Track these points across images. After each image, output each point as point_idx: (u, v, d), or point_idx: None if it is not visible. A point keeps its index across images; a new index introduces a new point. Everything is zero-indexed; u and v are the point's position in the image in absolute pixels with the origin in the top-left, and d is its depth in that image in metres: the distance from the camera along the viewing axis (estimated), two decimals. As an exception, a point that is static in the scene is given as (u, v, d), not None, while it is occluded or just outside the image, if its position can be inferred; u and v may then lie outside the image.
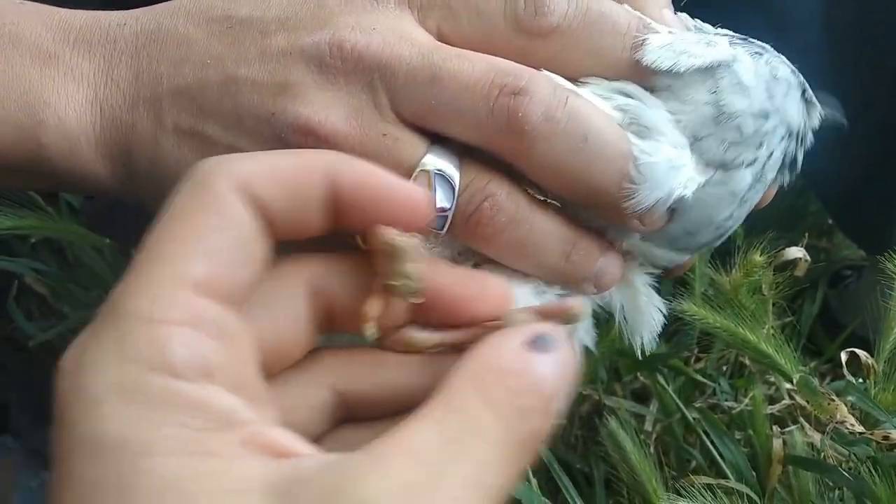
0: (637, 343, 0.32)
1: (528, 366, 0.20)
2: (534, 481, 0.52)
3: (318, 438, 0.25)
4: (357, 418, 0.25)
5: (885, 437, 0.38)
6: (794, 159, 0.32)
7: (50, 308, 0.65)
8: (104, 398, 0.18)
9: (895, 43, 0.52)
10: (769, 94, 0.30)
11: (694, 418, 0.53)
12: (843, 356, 0.46)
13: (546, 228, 0.28)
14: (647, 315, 0.32)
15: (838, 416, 0.39)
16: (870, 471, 0.42)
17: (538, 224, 0.28)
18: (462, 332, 0.25)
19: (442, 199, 0.27)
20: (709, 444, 0.51)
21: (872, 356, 0.47)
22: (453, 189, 0.27)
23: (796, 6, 0.54)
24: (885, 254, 0.38)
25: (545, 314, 0.24)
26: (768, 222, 0.76)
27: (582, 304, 0.25)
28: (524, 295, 0.29)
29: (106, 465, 0.18)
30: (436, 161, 0.27)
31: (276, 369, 0.24)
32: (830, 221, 0.79)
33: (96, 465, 0.18)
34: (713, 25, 0.32)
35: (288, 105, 0.27)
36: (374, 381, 0.25)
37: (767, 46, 0.32)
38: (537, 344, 0.21)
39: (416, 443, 0.18)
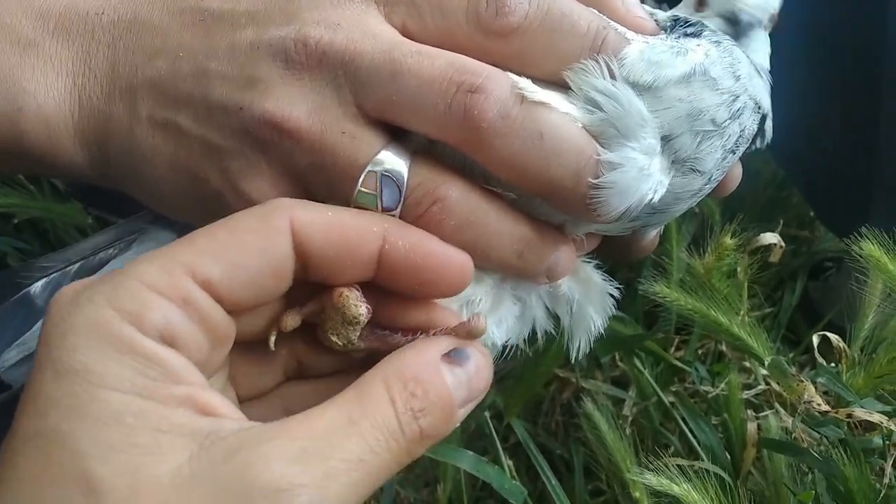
0: (574, 347, 0.34)
1: (434, 377, 0.24)
2: (510, 464, 0.52)
3: (267, 392, 0.28)
4: (304, 375, 0.29)
5: (849, 416, 0.39)
6: (763, 130, 0.33)
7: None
8: (81, 331, 0.22)
9: (870, 42, 0.53)
10: (735, 77, 0.31)
11: (671, 402, 0.53)
12: (815, 339, 0.46)
13: (499, 229, 0.29)
14: (602, 297, 0.34)
15: (805, 397, 0.39)
16: (840, 453, 0.42)
17: (491, 225, 0.29)
18: (386, 340, 0.27)
19: (388, 200, 0.28)
20: (684, 427, 0.52)
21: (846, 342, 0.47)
22: (400, 191, 0.28)
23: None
24: (853, 237, 0.39)
25: (455, 330, 0.27)
26: (749, 213, 0.77)
27: (483, 323, 0.27)
28: (474, 290, 0.30)
29: (66, 387, 0.21)
30: (386, 162, 0.28)
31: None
32: (812, 213, 0.80)
33: (58, 386, 0.21)
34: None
35: (255, 100, 0.28)
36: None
37: (716, 30, 0.32)
38: (452, 356, 0.25)
39: (321, 420, 0.22)
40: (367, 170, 0.28)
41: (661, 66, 0.29)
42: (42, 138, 0.31)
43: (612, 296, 0.34)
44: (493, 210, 0.29)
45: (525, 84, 0.28)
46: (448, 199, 0.28)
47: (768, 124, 0.34)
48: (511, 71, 0.28)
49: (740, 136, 0.31)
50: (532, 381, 0.46)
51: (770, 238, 0.49)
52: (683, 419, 0.54)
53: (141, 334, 0.22)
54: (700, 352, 0.66)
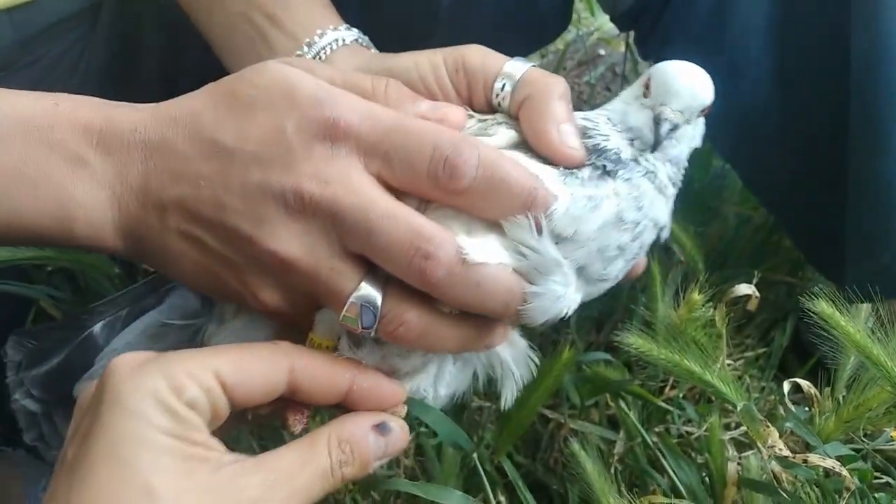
0: (504, 398, 0.43)
1: (362, 441, 0.37)
2: (501, 500, 0.56)
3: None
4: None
5: (805, 461, 0.41)
6: (659, 237, 0.43)
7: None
8: (141, 391, 0.33)
9: (847, 87, 0.56)
10: (639, 208, 0.40)
11: (653, 442, 0.56)
12: (786, 386, 0.49)
13: (448, 334, 0.39)
14: (525, 357, 0.43)
15: (769, 441, 0.42)
16: (812, 493, 0.45)
17: (442, 332, 0.39)
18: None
19: (367, 322, 0.37)
20: (667, 466, 0.55)
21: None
22: (375, 316, 0.37)
23: (750, 58, 0.59)
24: (807, 294, 0.42)
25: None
26: (740, 258, 0.80)
27: (403, 411, 0.40)
28: (425, 365, 0.42)
29: (131, 425, 0.33)
30: (364, 294, 0.37)
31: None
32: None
33: (125, 423, 0.33)
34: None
35: (264, 237, 0.37)
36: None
37: (628, 162, 0.41)
38: (380, 427, 0.38)
39: (284, 459, 0.35)
40: (349, 301, 0.37)
41: (580, 221, 0.38)
42: (88, 235, 0.38)
43: (531, 357, 0.43)
44: (444, 324, 0.38)
45: (467, 247, 0.36)
46: (410, 321, 0.38)
47: (664, 232, 0.43)
48: (462, 214, 0.38)
49: (640, 249, 0.42)
50: (518, 421, 0.49)
51: (745, 289, 0.53)
52: (665, 456, 0.57)
53: (178, 401, 0.34)
54: (691, 392, 0.69)
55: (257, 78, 0.38)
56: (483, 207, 0.37)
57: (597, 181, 0.40)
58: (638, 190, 0.40)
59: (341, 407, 0.40)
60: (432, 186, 0.37)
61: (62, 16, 0.65)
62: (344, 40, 0.50)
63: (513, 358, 0.43)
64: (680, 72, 0.43)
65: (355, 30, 0.51)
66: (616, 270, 0.41)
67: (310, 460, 0.36)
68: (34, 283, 0.67)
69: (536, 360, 0.43)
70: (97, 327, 0.47)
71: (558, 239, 0.38)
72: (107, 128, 0.38)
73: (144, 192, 0.38)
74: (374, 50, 0.52)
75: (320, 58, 0.49)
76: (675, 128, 0.41)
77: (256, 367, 0.36)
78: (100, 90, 0.68)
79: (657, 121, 0.41)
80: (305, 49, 0.50)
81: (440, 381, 0.42)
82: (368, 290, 0.37)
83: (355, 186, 0.36)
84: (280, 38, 0.50)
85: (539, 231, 0.37)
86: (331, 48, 0.49)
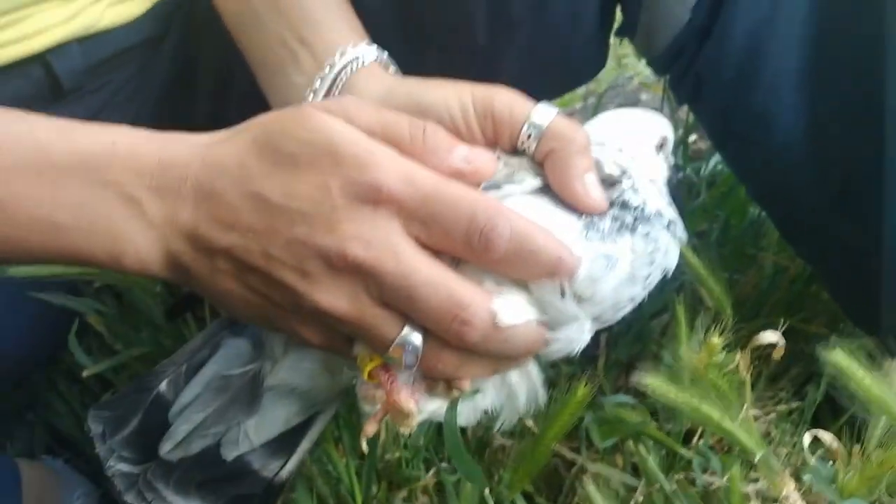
0: (500, 421, 0.47)
1: None
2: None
3: None
4: None
5: (817, 516, 0.41)
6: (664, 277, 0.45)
7: (107, 346, 0.73)
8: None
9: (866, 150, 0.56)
10: (651, 262, 0.43)
11: (673, 490, 0.55)
12: (807, 438, 0.49)
13: (481, 366, 0.43)
14: (533, 388, 0.47)
15: (784, 493, 0.42)
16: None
17: (475, 366, 0.42)
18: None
19: (409, 361, 0.41)
20: (685, 515, 0.54)
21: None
22: (417, 356, 0.41)
23: (782, 104, 0.59)
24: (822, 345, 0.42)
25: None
26: (776, 308, 0.79)
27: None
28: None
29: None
30: (408, 338, 0.40)
31: None
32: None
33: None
34: None
35: (307, 290, 0.39)
36: None
37: (650, 217, 0.44)
38: None
39: None
40: (394, 344, 0.40)
41: (598, 282, 0.41)
42: (138, 269, 0.41)
43: (539, 391, 0.47)
44: (477, 359, 0.42)
45: (500, 312, 0.40)
46: (447, 359, 0.41)
47: (668, 274, 0.45)
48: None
49: (647, 293, 0.44)
50: (534, 459, 0.49)
51: (770, 336, 0.52)
52: (684, 505, 0.56)
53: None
54: (719, 443, 0.68)
55: (301, 132, 0.40)
56: (513, 272, 0.40)
57: (615, 236, 0.42)
58: (654, 244, 0.43)
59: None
60: (467, 252, 0.40)
61: (128, 45, 0.69)
62: (363, 60, 0.52)
63: (523, 387, 0.46)
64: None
65: (375, 46, 0.54)
66: (625, 313, 0.44)
67: None
68: (81, 296, 0.71)
69: (544, 395, 0.46)
70: (163, 386, 0.51)
71: (579, 299, 0.41)
72: (159, 172, 0.40)
73: (194, 237, 0.40)
74: (392, 69, 0.54)
75: (341, 79, 0.52)
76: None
77: None
78: (157, 114, 0.72)
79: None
80: (327, 70, 0.52)
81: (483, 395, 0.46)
82: (411, 334, 0.40)
83: (397, 251, 0.39)
84: (308, 59, 0.53)
85: (563, 294, 0.41)
86: (351, 69, 0.52)
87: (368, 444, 0.57)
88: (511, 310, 0.40)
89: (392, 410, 0.43)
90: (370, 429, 0.44)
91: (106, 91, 0.69)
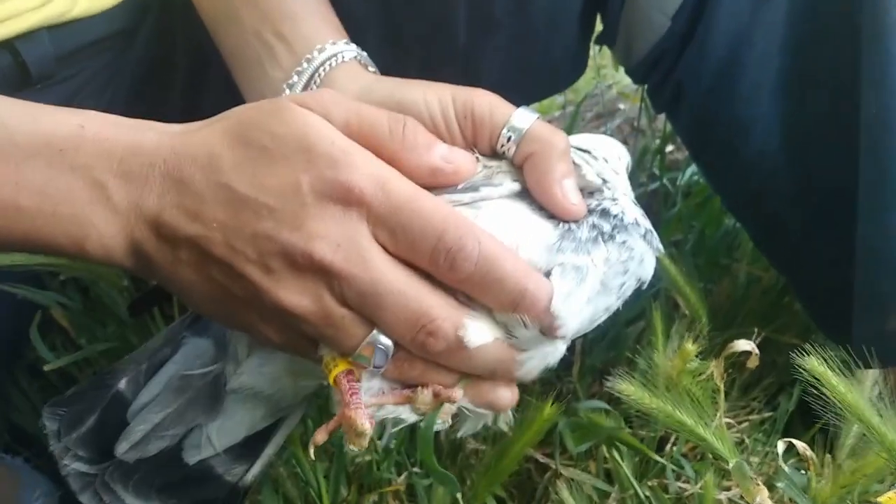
0: (462, 429, 0.46)
1: None
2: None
3: None
4: None
5: (790, 522, 0.41)
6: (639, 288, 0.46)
7: (71, 341, 0.71)
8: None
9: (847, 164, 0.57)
10: (625, 271, 0.43)
11: (646, 496, 0.55)
12: (781, 446, 0.48)
13: (441, 378, 0.42)
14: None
15: (758, 499, 0.41)
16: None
17: (435, 374, 0.42)
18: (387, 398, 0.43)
19: (379, 360, 0.40)
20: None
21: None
22: (387, 356, 0.40)
23: (759, 114, 0.59)
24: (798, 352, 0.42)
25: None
26: (750, 318, 0.80)
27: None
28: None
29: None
30: (378, 336, 0.40)
31: None
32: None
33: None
34: None
35: (270, 285, 0.38)
36: None
37: (629, 225, 0.44)
38: None
39: None
40: (365, 343, 0.39)
41: (570, 299, 0.40)
42: (101, 256, 0.40)
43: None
44: (442, 372, 0.42)
45: (467, 329, 0.39)
46: (417, 363, 0.41)
47: (644, 285, 0.45)
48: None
49: (621, 302, 0.44)
50: (502, 466, 0.49)
51: (744, 345, 0.52)
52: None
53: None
54: (692, 451, 0.68)
55: (275, 125, 0.39)
56: (476, 296, 0.40)
57: (591, 245, 0.42)
58: (629, 252, 0.43)
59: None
60: (432, 269, 0.39)
61: (99, 36, 0.67)
62: (343, 57, 0.51)
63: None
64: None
65: (354, 45, 0.53)
66: (600, 322, 0.44)
67: None
68: (46, 289, 0.69)
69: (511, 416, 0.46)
70: (122, 384, 0.50)
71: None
72: (127, 157, 0.39)
73: (157, 224, 0.39)
74: (372, 68, 0.54)
75: (319, 75, 0.51)
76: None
77: None
78: (129, 105, 0.70)
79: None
80: (305, 65, 0.51)
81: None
82: (381, 333, 0.40)
83: (366, 256, 0.38)
84: (284, 54, 0.52)
85: (525, 325, 0.40)
86: (329, 65, 0.51)
87: (336, 446, 0.56)
88: (478, 329, 0.40)
89: (345, 424, 0.40)
90: (320, 437, 0.42)
91: (77, 80, 0.68)
